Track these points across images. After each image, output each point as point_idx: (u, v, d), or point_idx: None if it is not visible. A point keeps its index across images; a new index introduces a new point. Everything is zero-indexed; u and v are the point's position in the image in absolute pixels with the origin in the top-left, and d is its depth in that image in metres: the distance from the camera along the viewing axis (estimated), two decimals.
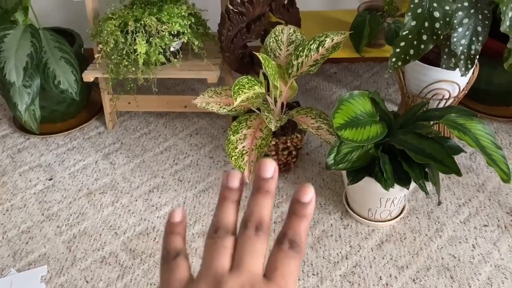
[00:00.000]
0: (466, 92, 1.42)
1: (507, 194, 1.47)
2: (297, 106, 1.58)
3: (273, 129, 1.21)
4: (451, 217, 1.41)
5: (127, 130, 1.83)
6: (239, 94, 1.24)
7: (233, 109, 1.33)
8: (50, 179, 1.63)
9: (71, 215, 1.50)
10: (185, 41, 1.54)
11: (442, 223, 1.39)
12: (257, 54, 1.27)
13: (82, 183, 1.61)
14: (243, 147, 1.26)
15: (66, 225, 1.46)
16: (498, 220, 1.39)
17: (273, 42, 1.47)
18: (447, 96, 1.38)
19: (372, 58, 2.05)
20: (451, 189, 1.50)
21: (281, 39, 1.47)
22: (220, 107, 1.34)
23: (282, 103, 1.45)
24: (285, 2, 1.52)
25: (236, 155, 1.25)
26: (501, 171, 1.12)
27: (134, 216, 1.48)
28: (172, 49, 1.56)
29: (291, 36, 1.47)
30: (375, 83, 2.00)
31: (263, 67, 1.28)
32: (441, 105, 1.42)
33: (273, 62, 1.32)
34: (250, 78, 1.31)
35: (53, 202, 1.54)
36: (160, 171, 1.64)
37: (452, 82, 1.33)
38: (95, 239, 1.41)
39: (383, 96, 1.92)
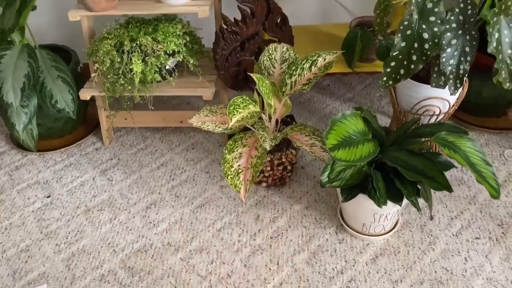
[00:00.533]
0: (457, 107, 1.45)
1: (498, 206, 1.50)
2: (291, 121, 1.61)
3: (268, 148, 1.24)
4: (444, 230, 1.44)
5: (124, 145, 1.85)
6: (234, 114, 1.26)
7: (228, 128, 1.36)
8: (48, 196, 1.65)
9: (69, 232, 1.51)
10: (180, 59, 1.56)
11: (435, 236, 1.42)
12: (251, 74, 1.30)
13: (80, 200, 1.63)
14: (239, 165, 1.29)
15: (64, 243, 1.48)
16: (490, 233, 1.42)
17: (267, 61, 1.49)
18: (438, 112, 1.41)
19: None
20: (443, 201, 1.53)
21: (274, 57, 1.50)
22: (216, 126, 1.37)
23: (277, 120, 1.48)
24: (278, 20, 1.55)
25: (232, 174, 1.27)
26: (491, 187, 1.15)
27: (132, 233, 1.50)
28: (167, 67, 1.58)
29: (284, 54, 1.50)
30: (368, 95, 2.03)
31: (257, 86, 1.31)
32: (432, 121, 1.45)
33: (267, 81, 1.35)
34: (244, 97, 1.33)
35: (52, 220, 1.56)
36: (157, 187, 1.66)
37: (442, 99, 1.36)
38: (94, 257, 1.43)
39: (376, 108, 1.95)
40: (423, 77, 1.37)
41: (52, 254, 1.45)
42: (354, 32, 1.63)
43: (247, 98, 1.34)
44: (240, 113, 1.29)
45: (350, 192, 1.26)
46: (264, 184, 1.59)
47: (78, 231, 1.52)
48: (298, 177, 1.66)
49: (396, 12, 1.78)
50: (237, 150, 1.32)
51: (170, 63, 1.58)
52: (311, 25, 2.01)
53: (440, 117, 1.44)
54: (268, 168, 1.52)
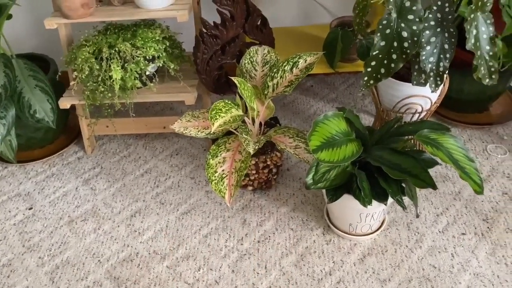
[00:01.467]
0: (439, 104, 1.46)
1: (482, 201, 1.51)
2: (275, 123, 1.60)
3: (251, 152, 1.23)
4: (430, 227, 1.44)
5: (107, 153, 1.83)
6: (217, 118, 1.25)
7: (211, 133, 1.34)
8: (30, 208, 1.61)
9: (52, 245, 1.48)
10: (161, 65, 1.54)
11: (422, 234, 1.42)
12: (232, 78, 1.28)
13: (63, 211, 1.60)
14: (223, 170, 1.27)
15: (48, 255, 1.45)
16: (475, 228, 1.43)
17: (248, 63, 1.48)
18: (420, 110, 1.41)
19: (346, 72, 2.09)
20: (428, 198, 1.53)
21: (256, 60, 1.49)
22: (198, 131, 1.35)
23: (260, 123, 1.47)
24: (258, 23, 1.54)
25: (216, 179, 1.26)
26: (474, 183, 1.16)
27: (117, 243, 1.47)
28: (148, 73, 1.57)
29: (266, 56, 1.49)
30: (351, 94, 2.04)
31: (239, 90, 1.29)
32: (414, 118, 1.46)
33: (248, 85, 1.34)
34: (226, 101, 1.32)
35: (34, 232, 1.53)
36: (141, 195, 1.63)
37: (423, 96, 1.37)
38: (79, 269, 1.40)
39: (359, 107, 1.96)
40: (404, 76, 1.37)
41: (35, 267, 1.42)
42: (335, 33, 1.63)
43: (229, 102, 1.33)
44: (222, 117, 1.27)
45: (335, 193, 1.26)
46: (250, 188, 1.58)
47: (62, 242, 1.49)
48: (284, 179, 1.65)
49: (376, 11, 1.79)
50: (220, 154, 1.31)
51: (150, 69, 1.56)
52: (292, 27, 2.01)
53: (423, 114, 1.44)
54: (254, 172, 1.51)
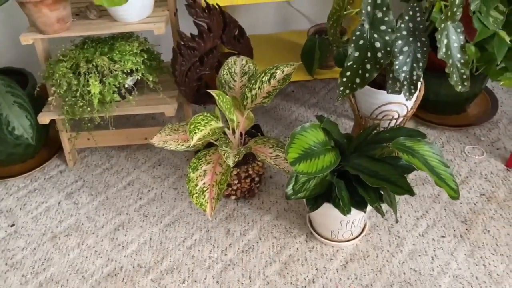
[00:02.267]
0: (415, 110, 1.48)
1: (461, 203, 1.54)
2: (256, 132, 1.61)
3: (231, 164, 1.23)
4: (410, 231, 1.47)
5: (89, 166, 1.82)
6: (195, 132, 1.26)
7: (191, 147, 1.35)
8: (12, 225, 1.60)
9: (36, 262, 1.47)
10: (139, 77, 1.54)
11: (402, 238, 1.45)
12: (210, 91, 1.29)
13: (46, 226, 1.59)
14: (204, 183, 1.28)
15: (31, 273, 1.44)
16: (454, 230, 1.46)
17: (227, 74, 1.49)
18: (396, 116, 1.44)
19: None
20: (408, 202, 1.56)
21: (234, 70, 1.50)
22: (178, 144, 1.36)
23: (241, 133, 1.48)
24: (236, 33, 1.55)
25: (197, 192, 1.26)
26: (450, 189, 1.18)
27: (101, 257, 1.47)
28: (126, 86, 1.56)
29: (244, 67, 1.50)
30: (331, 99, 2.06)
31: (217, 103, 1.30)
32: (392, 124, 1.48)
33: (227, 97, 1.35)
34: (206, 114, 1.33)
35: (17, 250, 1.52)
36: (125, 207, 1.63)
37: (400, 103, 1.39)
38: (63, 285, 1.40)
39: (339, 112, 1.98)
40: (381, 83, 1.39)
41: (19, 285, 1.41)
42: (312, 41, 1.64)
43: (208, 115, 1.34)
44: (201, 130, 1.28)
45: (315, 202, 1.28)
46: (233, 197, 1.59)
47: (45, 259, 1.48)
48: (267, 187, 1.66)
49: (353, 18, 1.81)
50: (201, 167, 1.31)
51: (129, 82, 1.56)
52: (271, 34, 2.02)
53: (400, 120, 1.47)
54: (236, 181, 1.52)
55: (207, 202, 1.25)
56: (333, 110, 1.99)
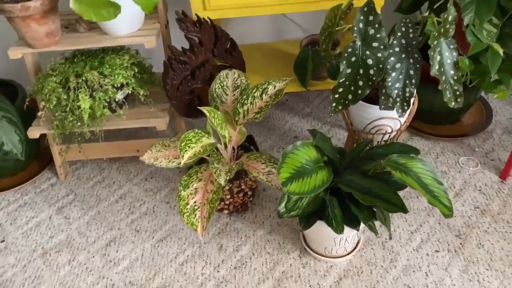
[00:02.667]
0: (408, 123, 1.47)
1: (455, 217, 1.53)
2: (249, 145, 1.59)
3: (222, 183, 1.22)
4: (405, 246, 1.45)
5: (80, 179, 1.80)
6: (186, 150, 1.24)
7: (181, 165, 1.33)
8: (2, 241, 1.58)
9: (26, 279, 1.45)
10: (130, 92, 1.53)
11: (396, 253, 1.44)
12: (201, 108, 1.27)
13: (36, 242, 1.57)
14: (195, 202, 1.26)
15: None
16: (448, 244, 1.45)
17: (219, 88, 1.47)
18: (390, 131, 1.42)
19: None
20: (402, 215, 1.55)
21: (226, 84, 1.48)
22: (169, 161, 1.34)
23: (233, 147, 1.46)
24: (228, 46, 1.53)
25: (187, 211, 1.25)
26: (444, 207, 1.16)
27: (92, 274, 1.45)
28: (117, 99, 1.54)
29: (236, 80, 1.48)
30: (325, 108, 2.04)
31: (208, 120, 1.28)
32: (385, 138, 1.47)
33: (218, 113, 1.33)
34: (197, 131, 1.31)
35: (7, 267, 1.50)
36: (116, 222, 1.61)
37: (393, 118, 1.38)
38: None
39: (334, 121, 1.96)
40: (374, 97, 1.38)
41: None
42: (305, 52, 1.63)
43: (200, 131, 1.32)
44: (192, 148, 1.26)
45: (308, 220, 1.26)
46: (226, 212, 1.57)
47: (36, 276, 1.46)
48: (260, 200, 1.65)
49: (345, 32, 1.79)
50: (192, 185, 1.30)
51: (119, 96, 1.54)
52: (264, 43, 2.00)
53: (393, 134, 1.45)
54: (228, 196, 1.51)
55: (198, 222, 1.23)
56: (327, 120, 1.98)
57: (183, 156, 1.22)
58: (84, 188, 1.76)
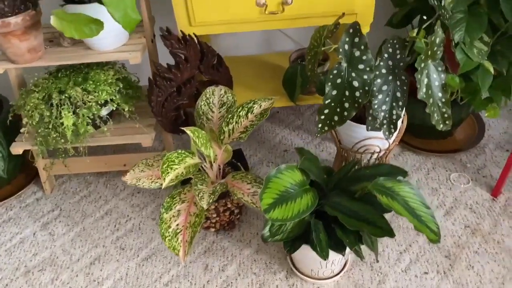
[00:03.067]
0: (397, 142, 1.45)
1: (445, 236, 1.50)
2: (236, 162, 1.56)
3: (205, 207, 1.19)
4: (393, 266, 1.43)
5: (66, 193, 1.77)
6: (168, 172, 1.21)
7: (163, 187, 1.30)
8: None
9: None
10: (114, 108, 1.50)
11: (384, 274, 1.41)
12: (184, 129, 1.25)
13: (19, 260, 1.54)
14: (177, 225, 1.24)
15: None
16: (438, 266, 1.42)
17: (205, 105, 1.45)
18: (378, 150, 1.40)
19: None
20: None
21: (212, 101, 1.45)
22: (152, 181, 1.31)
23: (219, 166, 1.44)
24: (214, 62, 1.50)
25: (169, 235, 1.22)
26: (431, 232, 1.14)
27: None
28: (102, 116, 1.52)
29: (223, 97, 1.46)
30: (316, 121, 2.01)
31: (192, 141, 1.26)
32: (374, 157, 1.44)
33: (202, 132, 1.30)
34: (180, 151, 1.28)
35: None
36: (101, 239, 1.59)
37: (381, 138, 1.35)
38: None
39: (324, 136, 1.93)
40: (362, 116, 1.35)
41: None
42: (294, 68, 1.60)
43: (183, 152, 1.30)
44: (175, 169, 1.24)
45: (293, 244, 1.24)
46: (212, 229, 1.55)
47: None
48: (248, 217, 1.62)
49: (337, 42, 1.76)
50: (175, 207, 1.27)
51: (103, 112, 1.51)
52: (254, 55, 1.97)
53: (382, 153, 1.43)
54: (215, 215, 1.48)
55: (180, 246, 1.20)
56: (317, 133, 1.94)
57: (164, 179, 1.19)
58: (70, 203, 1.73)
